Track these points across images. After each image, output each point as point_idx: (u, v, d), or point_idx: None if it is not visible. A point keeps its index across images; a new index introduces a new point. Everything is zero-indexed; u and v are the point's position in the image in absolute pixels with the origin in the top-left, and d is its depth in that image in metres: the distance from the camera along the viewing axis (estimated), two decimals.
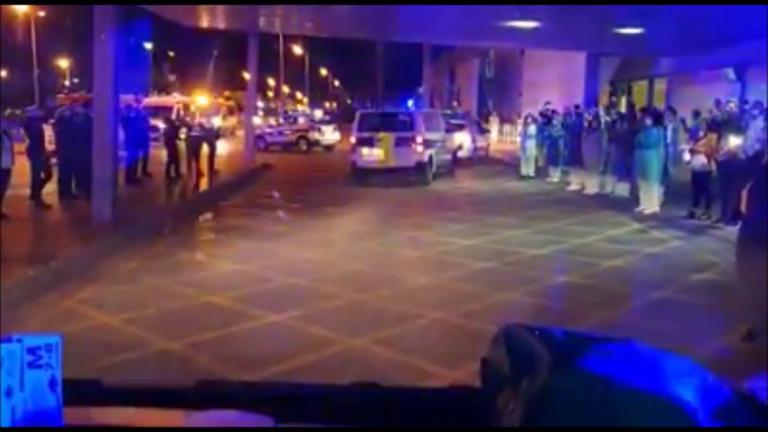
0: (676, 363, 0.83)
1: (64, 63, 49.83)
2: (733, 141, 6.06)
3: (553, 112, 19.92)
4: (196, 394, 1.08)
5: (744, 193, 5.86)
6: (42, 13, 44.31)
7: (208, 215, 12.85)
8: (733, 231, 11.12)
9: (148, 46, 54.03)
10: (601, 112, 17.81)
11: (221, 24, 23.07)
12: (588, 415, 0.75)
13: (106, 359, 5.41)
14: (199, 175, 17.56)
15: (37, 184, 12.31)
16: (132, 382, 1.07)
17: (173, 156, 17.56)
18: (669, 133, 13.73)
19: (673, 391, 0.77)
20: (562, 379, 0.78)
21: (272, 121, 40.67)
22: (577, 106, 19.18)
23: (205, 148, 18.21)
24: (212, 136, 19.08)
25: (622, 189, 15.11)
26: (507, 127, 33.74)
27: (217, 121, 20.43)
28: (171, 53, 58.15)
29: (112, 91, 11.26)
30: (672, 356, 0.84)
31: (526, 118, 21.46)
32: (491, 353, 0.90)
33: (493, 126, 34.05)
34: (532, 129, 19.85)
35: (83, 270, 8.29)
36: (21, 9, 42.04)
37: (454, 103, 44.86)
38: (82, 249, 9.22)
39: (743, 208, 5.88)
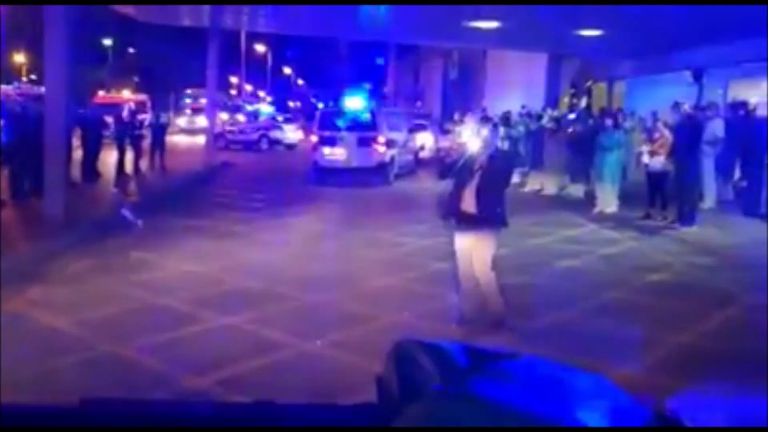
0: (585, 383, 0.77)
1: (20, 58, 48.74)
2: (474, 144, 6.30)
3: (526, 112, 19.97)
4: (80, 414, 1.00)
5: (467, 192, 6.26)
6: None
7: (163, 214, 12.60)
8: (688, 231, 11.34)
9: (107, 42, 53.06)
10: (554, 113, 17.99)
11: (181, 21, 22.77)
12: None
13: (51, 362, 5.26)
14: (155, 172, 17.26)
15: None
16: (9, 402, 0.98)
17: (124, 154, 17.21)
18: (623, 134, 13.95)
19: (577, 415, 0.71)
20: (448, 404, 0.72)
21: (239, 117, 40.27)
22: (540, 116, 19.23)
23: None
24: (163, 133, 18.72)
25: (576, 190, 15.24)
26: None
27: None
28: (131, 50, 57.20)
29: (63, 89, 10.99)
30: (581, 375, 0.78)
31: (482, 119, 21.52)
32: (385, 371, 0.83)
33: (469, 126, 33.78)
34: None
35: (32, 270, 8.06)
36: None
37: (418, 103, 44.84)
38: (32, 248, 8.99)
39: (465, 206, 6.28)
